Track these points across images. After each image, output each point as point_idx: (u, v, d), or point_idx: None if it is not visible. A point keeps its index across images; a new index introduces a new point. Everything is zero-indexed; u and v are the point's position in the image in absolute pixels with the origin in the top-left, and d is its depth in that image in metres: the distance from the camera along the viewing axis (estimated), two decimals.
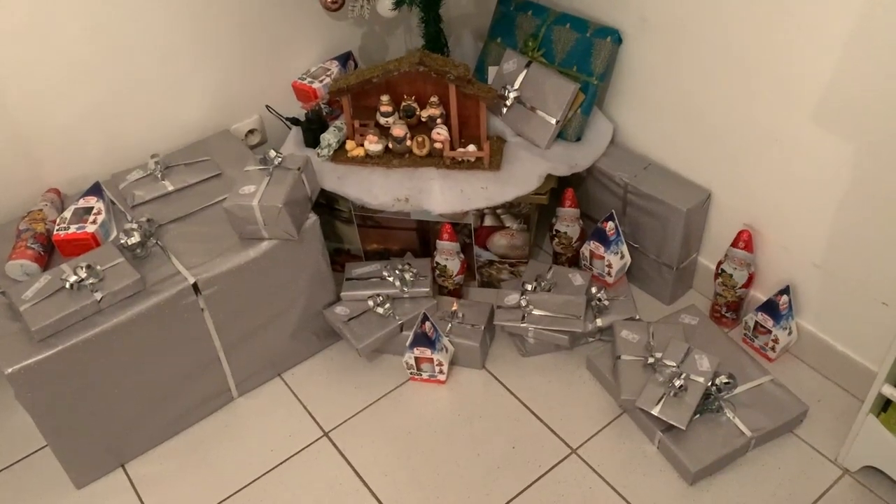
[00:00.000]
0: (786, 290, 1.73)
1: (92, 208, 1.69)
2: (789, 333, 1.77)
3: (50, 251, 1.67)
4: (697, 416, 1.62)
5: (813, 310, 1.76)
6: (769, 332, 1.77)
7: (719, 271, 1.84)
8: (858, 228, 1.58)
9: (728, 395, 1.66)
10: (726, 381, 1.64)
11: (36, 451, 1.74)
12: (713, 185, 1.84)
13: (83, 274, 1.51)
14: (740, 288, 1.82)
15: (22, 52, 1.66)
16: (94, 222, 1.65)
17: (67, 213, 1.68)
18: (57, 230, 1.64)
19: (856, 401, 1.72)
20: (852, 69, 1.44)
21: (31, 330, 1.45)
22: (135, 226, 1.63)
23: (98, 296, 1.50)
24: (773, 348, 1.79)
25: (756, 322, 1.80)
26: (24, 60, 1.67)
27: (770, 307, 1.75)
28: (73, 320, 1.49)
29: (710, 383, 1.64)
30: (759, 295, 1.86)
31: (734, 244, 1.79)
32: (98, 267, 1.54)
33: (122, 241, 1.61)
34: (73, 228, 1.64)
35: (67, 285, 1.50)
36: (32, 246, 1.62)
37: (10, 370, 1.43)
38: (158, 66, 1.86)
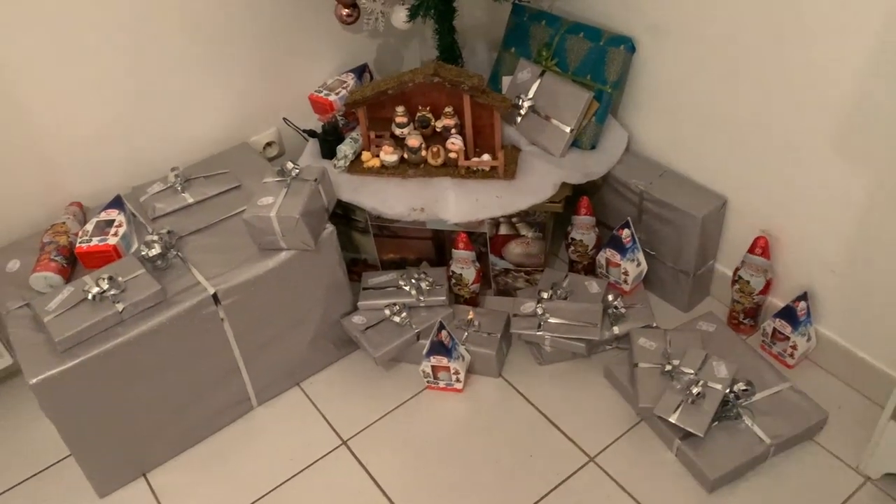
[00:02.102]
0: (804, 296, 1.72)
1: (113, 221, 1.72)
2: (808, 340, 1.76)
3: (73, 263, 1.70)
4: (716, 423, 1.62)
5: (832, 316, 1.75)
6: (787, 338, 1.76)
7: (736, 278, 1.83)
8: (876, 233, 1.57)
9: (746, 402, 1.65)
10: (744, 387, 1.63)
11: (60, 461, 1.76)
12: (729, 191, 1.84)
13: (105, 285, 1.54)
14: (758, 294, 1.81)
15: (43, 68, 1.70)
16: (115, 234, 1.68)
17: (90, 226, 1.71)
18: (79, 242, 1.67)
19: (877, 407, 1.71)
20: (873, 75, 1.43)
21: (54, 341, 1.48)
22: (155, 237, 1.66)
23: (120, 307, 1.53)
24: (791, 355, 1.78)
25: (774, 328, 1.79)
26: (46, 76, 1.71)
27: (788, 313, 1.75)
28: (96, 331, 1.52)
29: (728, 390, 1.63)
30: (777, 301, 1.85)
31: (751, 250, 1.78)
32: (120, 278, 1.57)
33: (143, 253, 1.64)
34: (95, 241, 1.67)
35: (90, 297, 1.53)
36: (56, 258, 1.65)
37: (34, 381, 1.46)
38: (178, 80, 1.89)
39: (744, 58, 1.65)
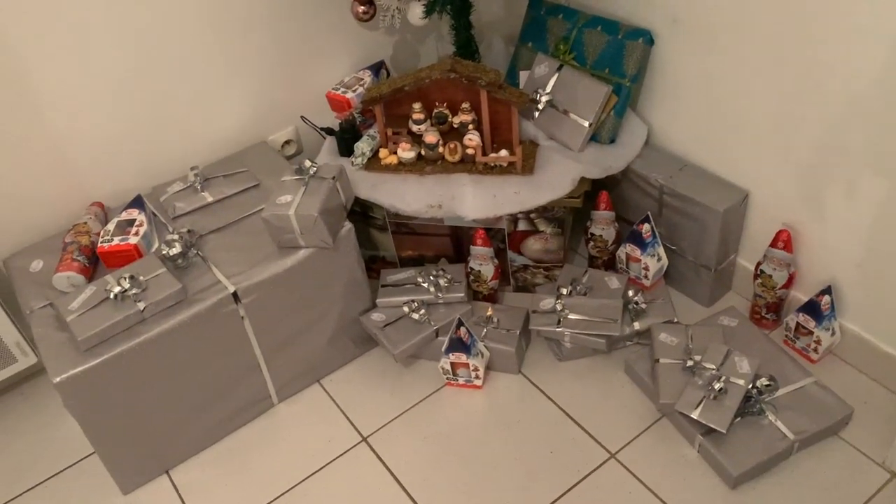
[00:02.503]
0: (827, 291, 1.69)
1: (134, 220, 1.73)
2: (832, 334, 1.74)
3: (95, 263, 1.71)
4: (738, 419, 1.60)
5: (856, 310, 1.73)
6: (811, 333, 1.74)
7: (758, 272, 1.81)
8: None
9: (769, 398, 1.63)
10: (767, 383, 1.61)
11: (84, 458, 1.79)
12: (750, 184, 1.82)
13: (127, 284, 1.55)
14: (780, 289, 1.79)
15: (62, 70, 1.72)
16: (136, 234, 1.70)
17: (111, 226, 1.72)
18: (101, 242, 1.69)
19: None
20: None
21: (77, 340, 1.49)
22: (176, 237, 1.67)
23: (141, 306, 1.54)
24: (815, 349, 1.76)
25: (797, 323, 1.77)
26: (66, 78, 1.73)
27: (811, 308, 1.72)
28: (118, 330, 1.53)
29: (750, 386, 1.61)
30: (800, 295, 1.83)
31: (773, 244, 1.76)
32: (141, 277, 1.58)
33: (164, 252, 1.65)
34: (116, 240, 1.68)
35: (112, 296, 1.54)
36: (78, 258, 1.66)
37: (58, 379, 1.47)
38: (196, 79, 1.90)
39: (765, 49, 1.62)
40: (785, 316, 1.85)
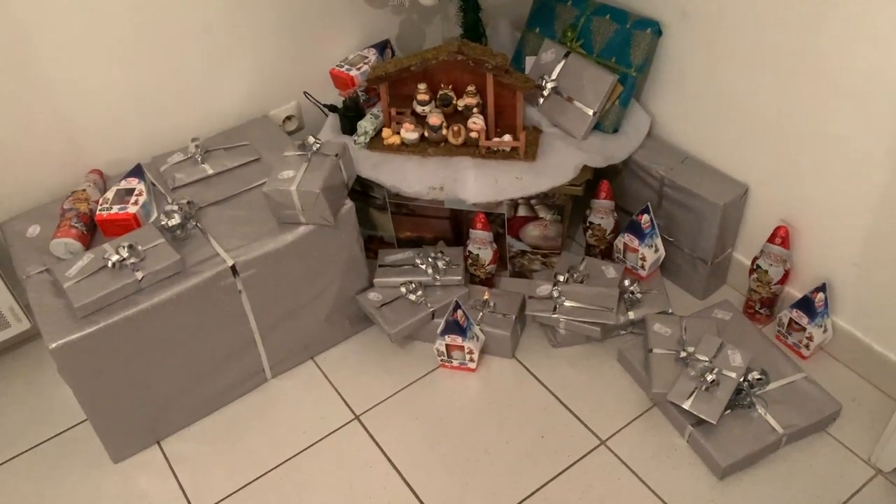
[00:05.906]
0: (822, 288, 1.71)
1: (133, 189, 1.72)
2: (824, 331, 1.76)
3: (92, 231, 1.70)
4: (728, 411, 1.62)
5: (849, 308, 1.74)
6: (804, 329, 1.76)
7: (754, 267, 1.83)
8: None
9: (760, 392, 1.65)
10: (759, 377, 1.63)
11: (76, 425, 1.78)
12: (750, 179, 1.83)
13: (125, 253, 1.54)
14: (775, 284, 1.80)
15: (67, 36, 1.69)
16: (135, 203, 1.69)
17: (110, 194, 1.71)
18: (99, 210, 1.68)
19: (891, 401, 1.70)
20: None
21: (74, 307, 1.49)
22: (175, 208, 1.66)
23: (139, 275, 1.54)
24: (806, 346, 1.78)
25: (790, 319, 1.78)
26: (69, 44, 1.71)
27: (805, 304, 1.74)
28: (115, 298, 1.53)
29: (742, 379, 1.63)
30: (795, 292, 1.84)
31: (770, 240, 1.77)
32: (139, 247, 1.57)
33: (163, 223, 1.64)
34: (115, 209, 1.67)
35: (109, 264, 1.54)
36: (76, 225, 1.65)
37: (54, 345, 1.47)
38: (200, 51, 1.89)
39: (771, 45, 1.63)
40: (778, 311, 1.87)
